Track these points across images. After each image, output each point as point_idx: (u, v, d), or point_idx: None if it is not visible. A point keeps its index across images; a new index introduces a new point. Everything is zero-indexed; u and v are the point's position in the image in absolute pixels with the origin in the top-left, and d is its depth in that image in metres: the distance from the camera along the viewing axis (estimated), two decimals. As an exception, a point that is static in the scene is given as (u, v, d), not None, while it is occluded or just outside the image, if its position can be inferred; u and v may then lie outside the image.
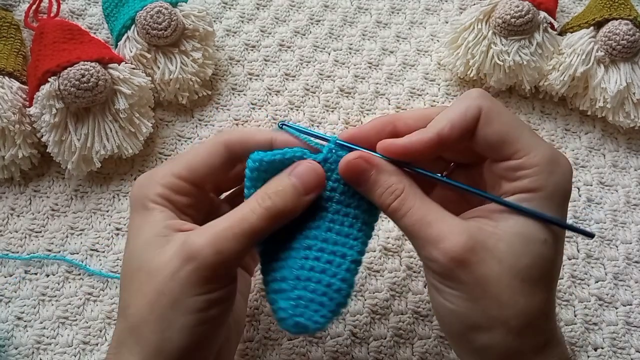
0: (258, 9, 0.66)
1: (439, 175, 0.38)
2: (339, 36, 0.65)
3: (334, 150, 0.38)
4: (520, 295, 0.34)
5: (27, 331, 0.49)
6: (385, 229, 0.54)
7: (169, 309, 0.34)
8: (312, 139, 0.40)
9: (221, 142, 0.39)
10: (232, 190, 0.44)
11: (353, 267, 0.38)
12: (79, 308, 0.50)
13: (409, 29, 0.66)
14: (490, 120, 0.36)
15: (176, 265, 0.34)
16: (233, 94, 0.61)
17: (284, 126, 0.40)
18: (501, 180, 0.37)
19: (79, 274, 0.51)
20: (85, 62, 0.52)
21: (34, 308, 0.50)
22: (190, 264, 0.34)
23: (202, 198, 0.40)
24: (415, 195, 0.36)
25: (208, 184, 0.40)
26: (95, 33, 0.62)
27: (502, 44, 0.58)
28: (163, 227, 0.36)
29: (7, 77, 0.53)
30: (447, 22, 0.66)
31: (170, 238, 0.36)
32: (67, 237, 0.53)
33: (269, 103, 0.60)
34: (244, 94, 0.61)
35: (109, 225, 0.53)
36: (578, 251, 0.55)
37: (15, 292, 0.50)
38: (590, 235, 0.38)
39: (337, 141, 0.38)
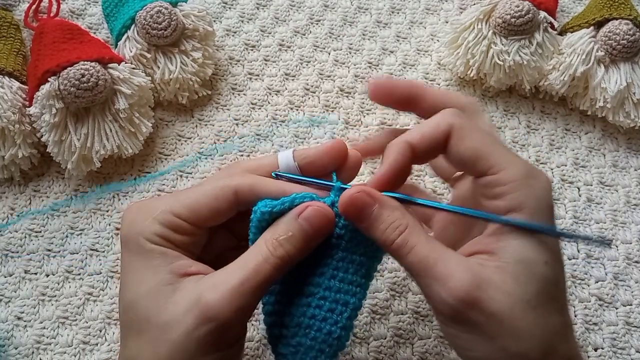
0: (258, 8, 0.66)
1: (438, 203, 0.37)
2: (339, 36, 0.65)
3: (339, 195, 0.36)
4: (535, 324, 0.33)
5: (27, 331, 0.49)
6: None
7: None
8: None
9: (231, 188, 0.37)
10: None
11: (355, 314, 0.37)
12: (78, 308, 0.50)
13: (409, 28, 0.66)
14: (462, 136, 0.35)
15: (192, 324, 0.33)
16: (233, 93, 0.61)
17: (278, 174, 0.38)
18: (483, 200, 0.36)
19: (79, 274, 0.51)
20: (85, 62, 0.51)
21: (34, 308, 0.50)
22: (208, 324, 0.33)
23: (201, 234, 0.38)
24: (420, 232, 0.35)
25: (209, 224, 0.38)
26: (95, 33, 0.62)
27: (502, 44, 0.58)
28: (167, 273, 0.35)
29: (7, 77, 0.53)
30: (447, 22, 0.66)
31: (178, 286, 0.35)
32: (67, 237, 0.53)
33: (269, 103, 0.60)
34: (244, 94, 0.61)
35: (109, 225, 0.53)
36: (578, 251, 0.55)
37: (15, 292, 0.50)
38: (607, 244, 0.36)
39: (341, 186, 0.37)
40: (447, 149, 0.36)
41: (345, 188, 0.36)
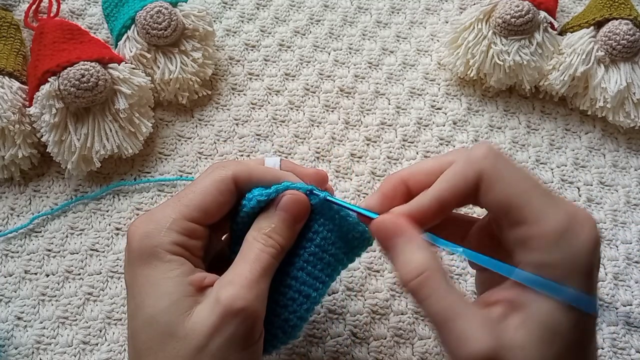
0: (258, 8, 0.66)
1: (461, 248, 0.35)
2: (339, 36, 0.65)
3: (322, 197, 0.39)
4: None
5: (27, 331, 0.49)
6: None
7: None
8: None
9: (230, 177, 0.38)
10: None
11: (312, 308, 0.39)
12: (79, 308, 0.50)
13: (409, 28, 0.66)
14: (492, 186, 0.32)
15: (217, 322, 0.33)
16: (233, 93, 0.61)
17: (328, 199, 0.39)
18: (515, 248, 0.33)
19: (79, 274, 0.51)
20: (85, 62, 0.52)
21: (34, 308, 0.50)
22: (235, 318, 0.33)
23: (208, 234, 0.39)
24: (441, 280, 0.32)
25: (216, 218, 0.38)
26: (95, 33, 0.62)
27: (502, 44, 0.58)
28: (188, 285, 0.35)
29: (7, 77, 0.53)
30: (447, 22, 0.66)
31: (198, 298, 0.35)
32: (67, 237, 0.53)
33: (269, 103, 0.60)
34: (244, 94, 0.61)
35: (109, 225, 0.53)
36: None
37: (15, 292, 0.50)
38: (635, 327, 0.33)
39: (327, 197, 0.39)
40: (478, 197, 0.34)
41: (332, 199, 0.38)
